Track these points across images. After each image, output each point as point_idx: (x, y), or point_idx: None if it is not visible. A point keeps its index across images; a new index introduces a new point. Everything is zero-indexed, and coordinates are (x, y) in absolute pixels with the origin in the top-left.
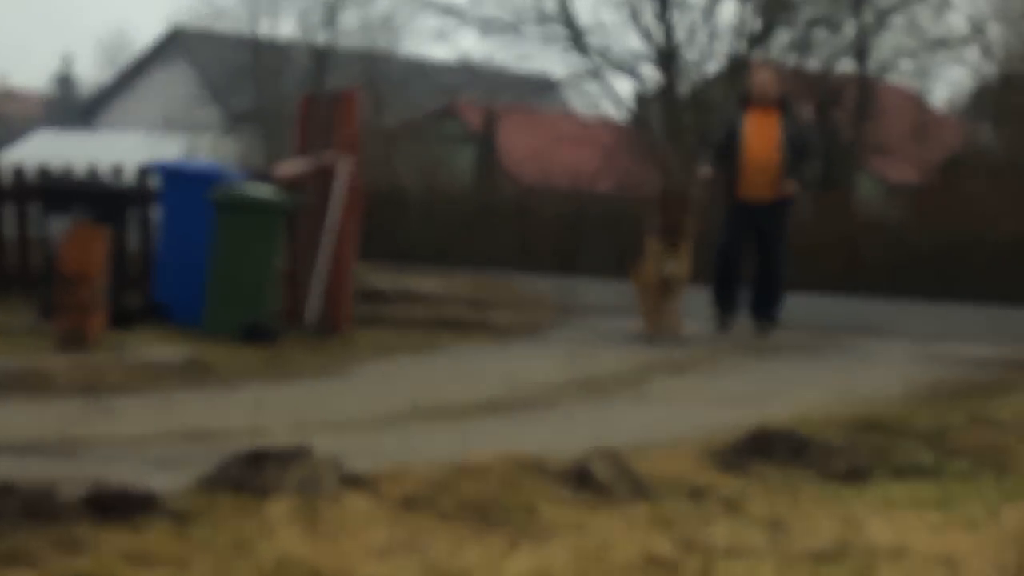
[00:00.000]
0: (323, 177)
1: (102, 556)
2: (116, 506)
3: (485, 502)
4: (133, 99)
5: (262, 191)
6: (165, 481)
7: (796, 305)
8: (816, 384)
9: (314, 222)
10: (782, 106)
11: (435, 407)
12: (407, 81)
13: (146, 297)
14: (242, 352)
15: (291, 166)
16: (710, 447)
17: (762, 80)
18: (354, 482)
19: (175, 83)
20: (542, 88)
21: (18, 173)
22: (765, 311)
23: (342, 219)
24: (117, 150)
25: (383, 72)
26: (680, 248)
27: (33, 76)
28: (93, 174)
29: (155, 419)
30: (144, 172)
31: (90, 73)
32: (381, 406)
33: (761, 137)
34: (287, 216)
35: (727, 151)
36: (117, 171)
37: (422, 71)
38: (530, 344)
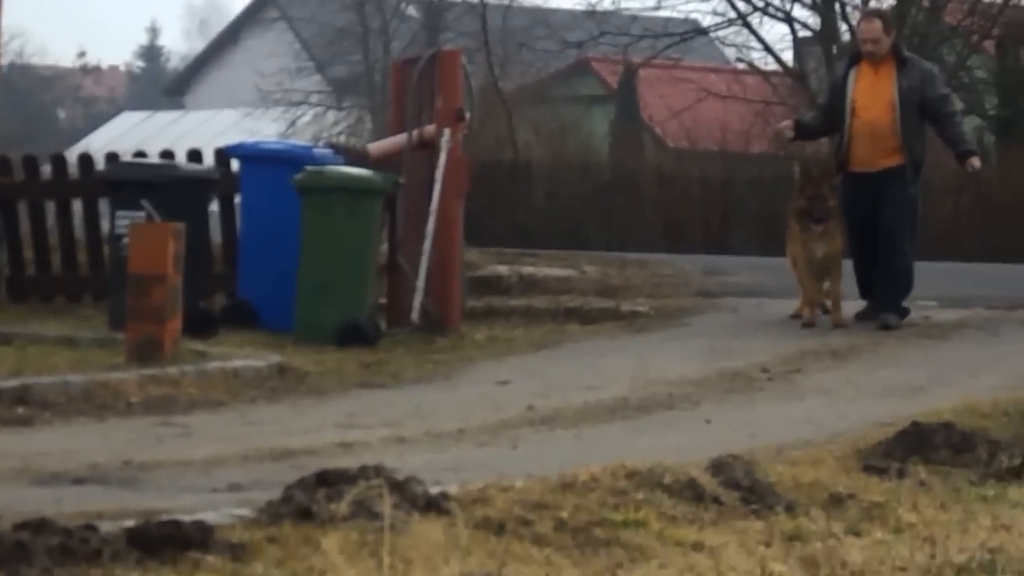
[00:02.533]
0: (424, 153)
1: None
2: (164, 543)
3: (587, 522)
4: (225, 72)
5: (354, 172)
6: (231, 510)
7: (975, 276)
8: (992, 369)
9: (415, 205)
10: (898, 59)
11: (552, 413)
12: (530, 36)
13: (230, 298)
14: (337, 357)
15: (386, 142)
16: (859, 447)
17: (867, 30)
18: (433, 506)
19: (271, 52)
20: (685, 38)
21: (85, 162)
22: (885, 301)
23: (447, 199)
24: (208, 130)
25: (502, 27)
26: (828, 226)
27: (118, 51)
28: (168, 160)
29: (232, 438)
30: (223, 155)
31: (178, 45)
32: (491, 414)
33: (871, 96)
34: (384, 199)
35: (832, 114)
36: (195, 155)
37: (547, 23)
38: (668, 335)
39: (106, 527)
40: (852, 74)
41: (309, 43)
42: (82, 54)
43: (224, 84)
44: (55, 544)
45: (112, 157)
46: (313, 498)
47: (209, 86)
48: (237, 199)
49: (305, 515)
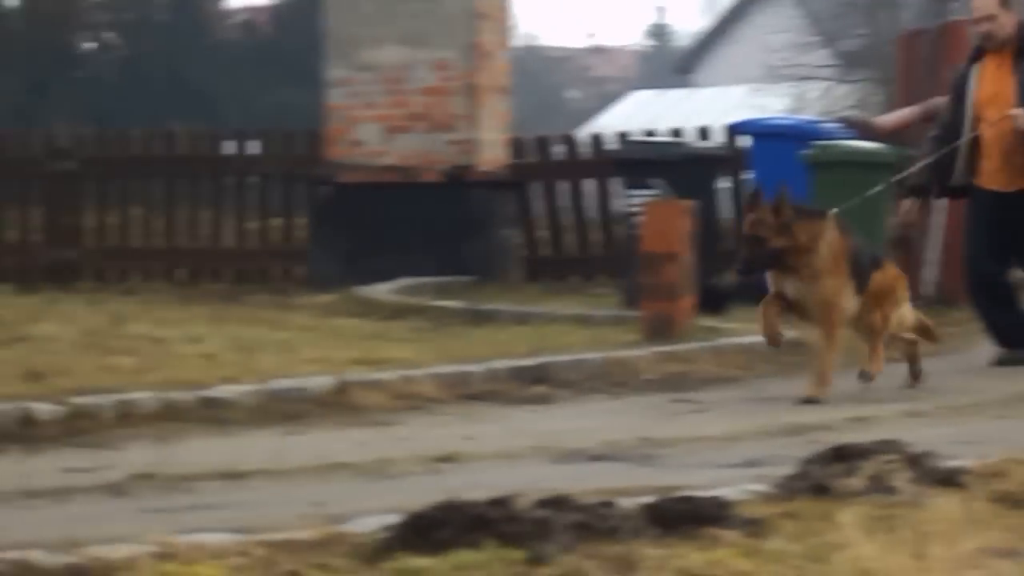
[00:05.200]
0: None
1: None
2: (681, 518)
3: None
4: (732, 49)
5: (864, 145)
6: (747, 486)
7: None
8: None
9: None
10: (1019, 46)
11: None
12: None
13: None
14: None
15: (895, 115)
16: None
17: (978, 4)
18: (949, 480)
19: (779, 27)
20: None
21: (596, 142)
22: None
23: None
24: (715, 107)
25: None
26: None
27: (627, 31)
28: (676, 137)
29: (746, 414)
30: (733, 132)
31: (687, 23)
32: (1007, 387)
33: (991, 95)
34: (894, 174)
35: (953, 117)
36: (703, 132)
37: None
38: None
39: (624, 503)
40: (974, 71)
41: (816, 16)
42: (591, 35)
43: (732, 60)
44: (574, 521)
45: (622, 136)
46: (828, 473)
47: (717, 63)
48: (746, 175)
49: (821, 490)
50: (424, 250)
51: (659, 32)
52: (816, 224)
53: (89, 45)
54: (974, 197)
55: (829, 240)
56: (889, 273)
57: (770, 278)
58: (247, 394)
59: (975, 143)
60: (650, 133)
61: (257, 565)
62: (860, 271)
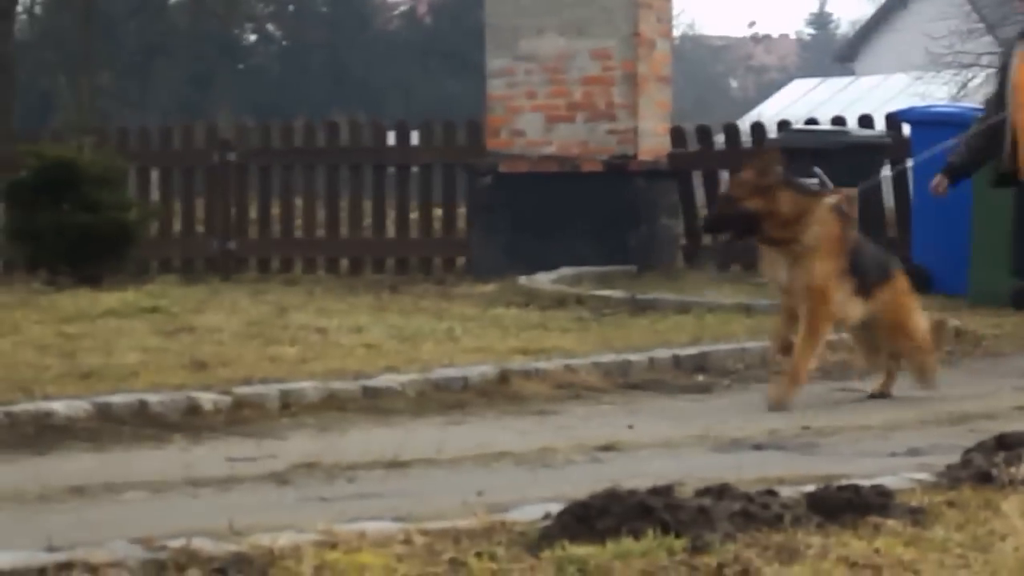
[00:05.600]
0: None
1: (820, 564)
2: (843, 507)
3: None
4: (894, 37)
5: None
6: (910, 474)
7: None
8: None
9: None
10: None
11: None
12: None
13: (903, 262)
14: (1014, 320)
15: None
16: None
17: None
18: None
19: (941, 15)
20: None
21: (757, 130)
22: None
23: None
24: (877, 96)
25: None
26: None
27: (788, 20)
28: (839, 126)
29: (909, 403)
30: (894, 120)
31: (848, 11)
32: None
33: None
34: None
35: (997, 100)
36: (866, 121)
37: None
38: None
39: (786, 492)
40: (1016, 53)
41: (979, 3)
42: (752, 23)
43: (893, 48)
44: (736, 509)
45: (783, 125)
46: (992, 462)
47: (878, 51)
48: (909, 163)
49: (984, 479)
50: (585, 239)
51: (820, 20)
52: (806, 199)
53: (251, 37)
54: (1020, 190)
55: (820, 219)
56: (901, 286)
57: (763, 266)
58: (409, 383)
59: (1013, 134)
60: (811, 121)
61: (419, 553)
62: (863, 271)
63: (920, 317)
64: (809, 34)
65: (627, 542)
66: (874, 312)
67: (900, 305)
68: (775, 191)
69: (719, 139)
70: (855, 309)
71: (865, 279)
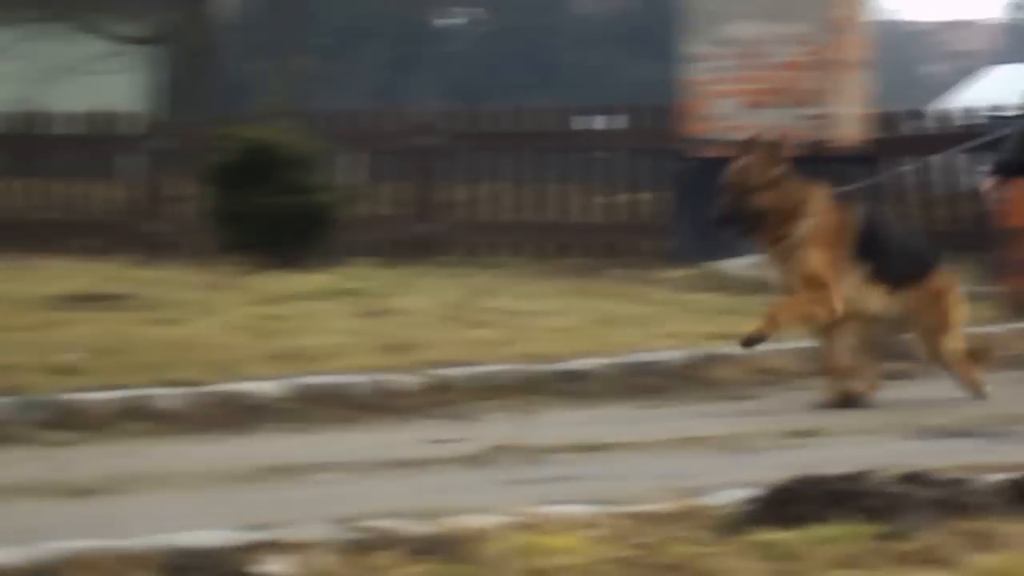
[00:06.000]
0: None
1: (1016, 553)
2: None
3: None
4: None
5: None
6: None
7: None
8: None
9: None
10: None
11: None
12: None
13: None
14: None
15: None
16: None
17: None
18: None
19: None
20: None
21: (943, 117)
22: None
23: None
24: None
25: None
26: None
27: (987, 5)
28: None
29: None
30: None
31: None
32: None
33: None
34: None
35: None
36: None
37: None
38: None
39: (984, 480)
40: None
41: None
42: (949, 9)
43: None
44: (933, 496)
45: (968, 111)
46: None
47: None
48: None
49: None
50: None
51: (1021, 6)
52: (804, 190)
53: (449, 21)
54: None
55: (816, 209)
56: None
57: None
58: (604, 367)
59: None
60: (997, 108)
61: (617, 537)
62: (885, 258)
63: (959, 319)
64: (1011, 19)
65: (823, 528)
66: (907, 308)
67: (937, 305)
68: (781, 183)
69: (914, 124)
70: (873, 300)
71: (889, 268)
